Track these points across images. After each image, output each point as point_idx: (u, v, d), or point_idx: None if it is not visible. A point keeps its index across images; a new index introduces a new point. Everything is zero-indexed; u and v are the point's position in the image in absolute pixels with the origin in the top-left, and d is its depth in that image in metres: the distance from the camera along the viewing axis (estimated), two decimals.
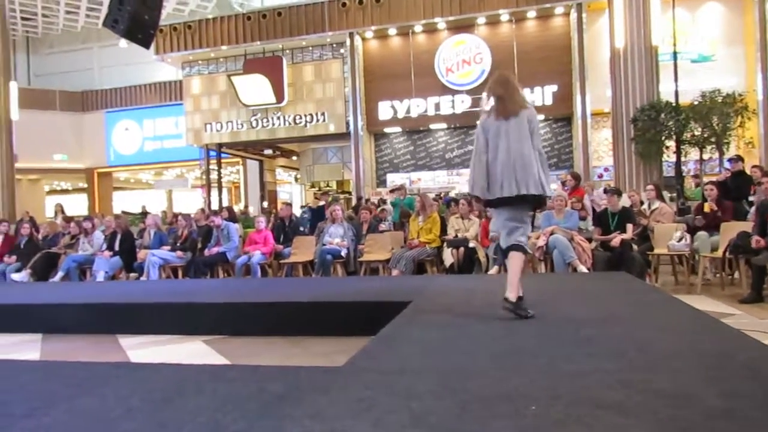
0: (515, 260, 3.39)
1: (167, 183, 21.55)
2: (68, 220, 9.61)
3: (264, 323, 4.35)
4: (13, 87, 13.00)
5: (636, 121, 11.49)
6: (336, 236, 7.41)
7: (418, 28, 13.96)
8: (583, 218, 6.64)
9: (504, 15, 13.39)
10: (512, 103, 3.45)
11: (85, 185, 20.99)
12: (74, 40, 21.87)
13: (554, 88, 13.27)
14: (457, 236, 6.82)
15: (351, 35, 14.11)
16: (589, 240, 6.14)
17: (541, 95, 13.32)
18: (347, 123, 14.40)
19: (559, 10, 13.18)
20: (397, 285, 4.94)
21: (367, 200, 12.40)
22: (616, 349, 2.51)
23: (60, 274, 7.81)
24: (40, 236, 8.83)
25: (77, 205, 20.30)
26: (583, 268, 5.74)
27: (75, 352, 4.18)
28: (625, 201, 7.00)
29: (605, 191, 7.06)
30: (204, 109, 15.51)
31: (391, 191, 11.81)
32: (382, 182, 14.85)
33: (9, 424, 1.92)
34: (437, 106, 13.95)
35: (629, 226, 6.00)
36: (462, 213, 7.00)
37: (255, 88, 14.63)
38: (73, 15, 20.28)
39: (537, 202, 3.55)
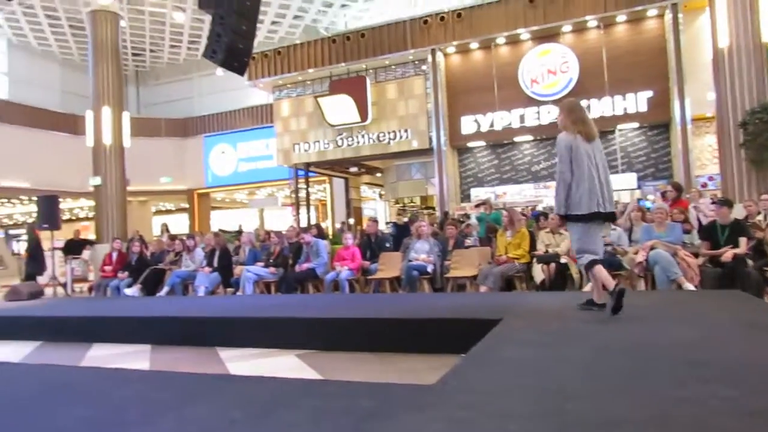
0: (603, 271, 3.86)
1: (259, 202, 22.63)
2: (173, 238, 10.34)
3: (353, 339, 4.41)
4: (126, 117, 14.29)
5: (746, 125, 10.58)
6: (422, 252, 7.41)
7: (500, 40, 13.77)
8: (687, 231, 6.17)
9: (591, 21, 12.91)
10: (593, 128, 3.94)
11: (187, 205, 22.51)
12: (177, 71, 23.77)
13: (649, 93, 12.55)
14: (547, 251, 6.58)
15: (433, 51, 14.18)
16: (696, 255, 5.70)
17: (634, 102, 12.64)
18: (430, 139, 14.43)
19: (652, 12, 12.49)
20: (486, 302, 4.83)
21: (449, 215, 12.32)
22: (734, 374, 2.29)
23: (166, 288, 8.38)
24: (148, 253, 9.55)
25: (180, 224, 21.82)
26: (689, 286, 5.33)
27: (180, 363, 4.45)
28: (738, 212, 6.43)
29: (713, 202, 6.52)
30: (293, 130, 16.18)
31: (476, 206, 11.65)
32: (466, 197, 14.69)
33: (124, 430, 2.08)
34: (522, 118, 13.65)
35: (742, 240, 5.50)
36: (552, 227, 6.75)
37: (340, 108, 15.07)
38: (176, 48, 22.06)
39: (613, 218, 4.24)
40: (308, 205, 17.60)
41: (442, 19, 13.84)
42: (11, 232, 26.13)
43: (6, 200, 21.67)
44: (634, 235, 6.38)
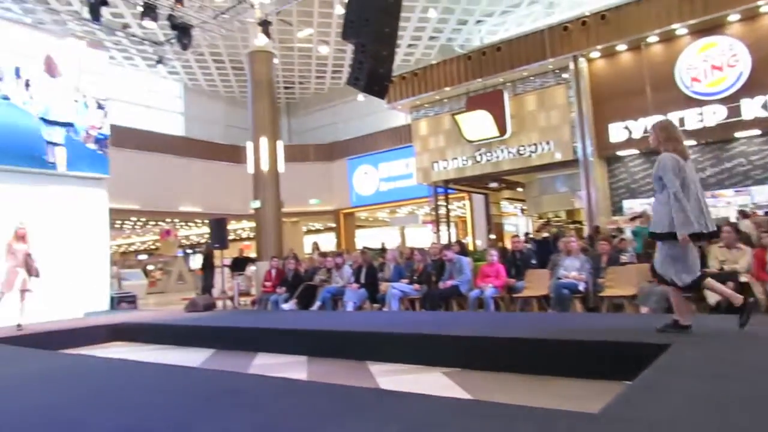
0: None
1: (400, 220, 23.24)
2: (323, 255, 10.98)
3: (501, 358, 4.28)
4: (280, 146, 15.61)
5: None
6: (572, 269, 7.00)
7: (652, 38, 12.69)
8: None
9: (764, 7, 11.37)
10: (687, 147, 3.99)
11: (334, 225, 23.87)
12: (322, 100, 25.52)
13: None
14: (722, 269, 5.82)
15: (574, 58, 13.50)
16: None
17: None
18: (575, 149, 13.69)
19: None
20: (649, 325, 4.40)
21: (599, 229, 11.54)
22: None
23: (318, 303, 8.90)
24: (302, 270, 10.23)
25: (327, 243, 23.17)
26: None
27: (333, 374, 4.67)
28: None
29: None
30: (431, 149, 16.39)
31: (631, 219, 10.76)
32: (617, 210, 13.64)
33: None
34: (681, 122, 12.34)
35: None
36: (727, 242, 5.97)
37: (478, 123, 14.96)
38: (321, 79, 23.70)
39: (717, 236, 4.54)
40: (448, 222, 17.63)
41: (584, 23, 13.15)
42: (188, 251, 29.83)
43: (184, 223, 24.82)
44: None
